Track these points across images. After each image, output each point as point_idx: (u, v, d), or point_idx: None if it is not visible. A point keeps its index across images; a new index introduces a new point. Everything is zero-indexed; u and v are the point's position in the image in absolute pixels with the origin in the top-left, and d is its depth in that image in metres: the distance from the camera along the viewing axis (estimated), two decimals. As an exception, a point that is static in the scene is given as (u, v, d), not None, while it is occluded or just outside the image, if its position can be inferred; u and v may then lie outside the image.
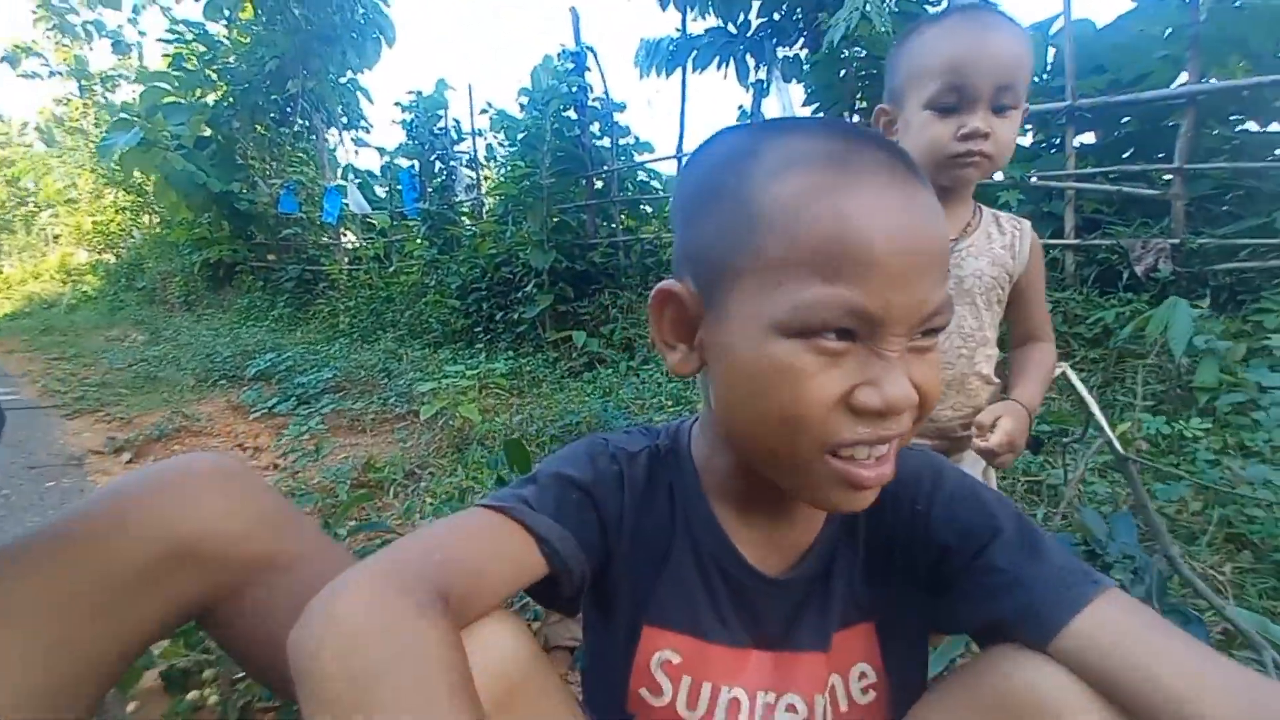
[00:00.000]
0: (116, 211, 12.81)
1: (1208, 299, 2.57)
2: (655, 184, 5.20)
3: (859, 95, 3.39)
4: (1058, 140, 3.54)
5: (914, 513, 0.58)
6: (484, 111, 5.72)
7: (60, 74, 15.40)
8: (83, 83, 15.09)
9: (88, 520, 0.65)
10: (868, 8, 2.61)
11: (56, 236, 16.12)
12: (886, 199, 0.46)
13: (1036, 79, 3.86)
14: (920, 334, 0.48)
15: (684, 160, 4.67)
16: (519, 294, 4.61)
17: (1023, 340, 1.06)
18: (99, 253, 13.37)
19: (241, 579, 0.70)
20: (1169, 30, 2.95)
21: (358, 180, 7.50)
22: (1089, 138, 3.76)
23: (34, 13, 14.07)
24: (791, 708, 0.57)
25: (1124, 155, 3.48)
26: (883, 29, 2.70)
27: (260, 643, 0.72)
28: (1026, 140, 4.00)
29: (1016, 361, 1.04)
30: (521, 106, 5.11)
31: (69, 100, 15.95)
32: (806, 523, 0.60)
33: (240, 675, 1.08)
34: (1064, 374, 1.12)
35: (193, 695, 1.09)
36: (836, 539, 0.60)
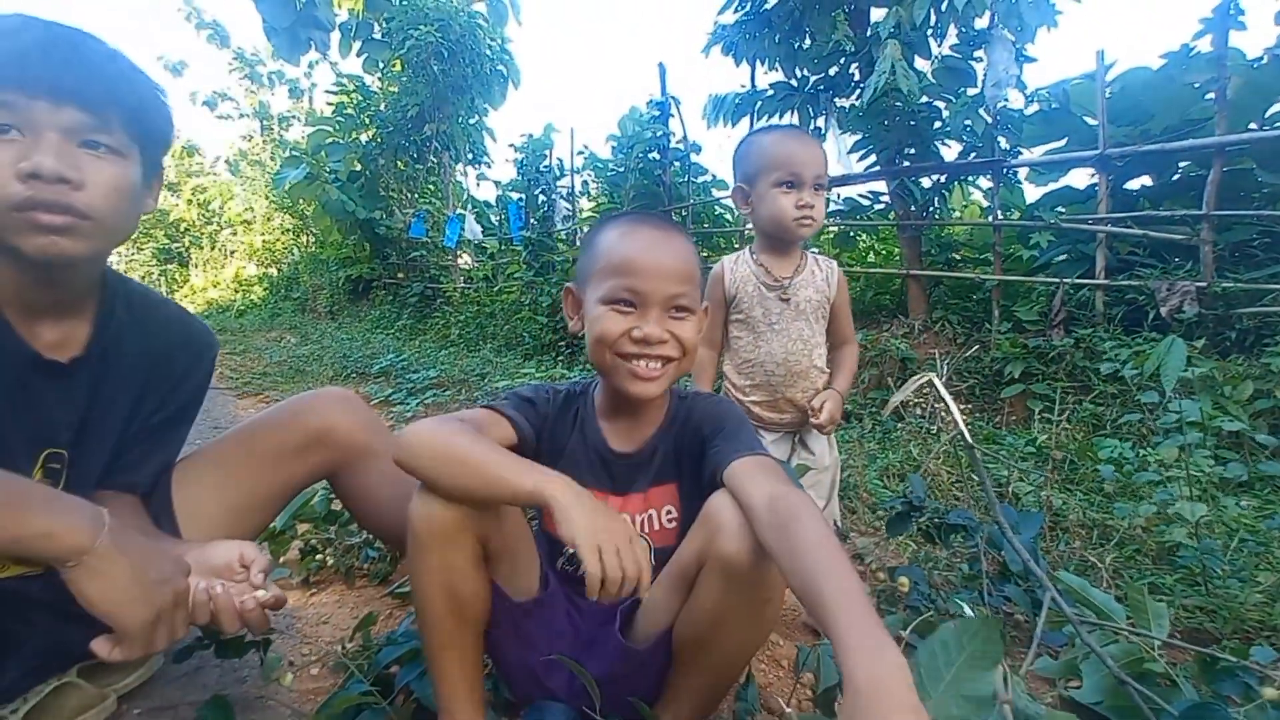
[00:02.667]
0: (282, 233, 14.97)
1: (1204, 342, 2.66)
2: (728, 216, 5.66)
3: (905, 141, 3.70)
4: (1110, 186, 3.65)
5: (699, 421, 1.04)
6: (580, 153, 6.44)
7: (247, 115, 18.30)
8: (264, 123, 17.79)
9: (270, 416, 1.21)
10: (894, 72, 2.97)
11: (233, 252, 18.88)
12: (644, 238, 0.96)
13: (1093, 122, 3.97)
14: (674, 309, 0.95)
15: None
16: (598, 314, 5.19)
17: (837, 344, 1.53)
18: (265, 267, 15.60)
19: (351, 458, 1.22)
20: (1199, 84, 3.06)
21: (475, 209, 8.52)
22: (1147, 180, 3.83)
23: (230, 65, 16.95)
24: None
25: (1183, 199, 3.54)
26: (908, 89, 3.04)
27: (362, 499, 1.25)
28: (1082, 183, 4.10)
29: (835, 361, 1.52)
30: (612, 150, 5.77)
31: (251, 137, 18.81)
32: (646, 427, 1.06)
33: (349, 545, 1.66)
34: (931, 382, 1.47)
35: (318, 559, 1.67)
36: (660, 436, 1.05)
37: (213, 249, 21.56)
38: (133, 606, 0.72)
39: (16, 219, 0.79)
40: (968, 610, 1.02)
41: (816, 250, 1.56)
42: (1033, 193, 4.54)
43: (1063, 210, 3.73)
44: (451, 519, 0.89)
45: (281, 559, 1.72)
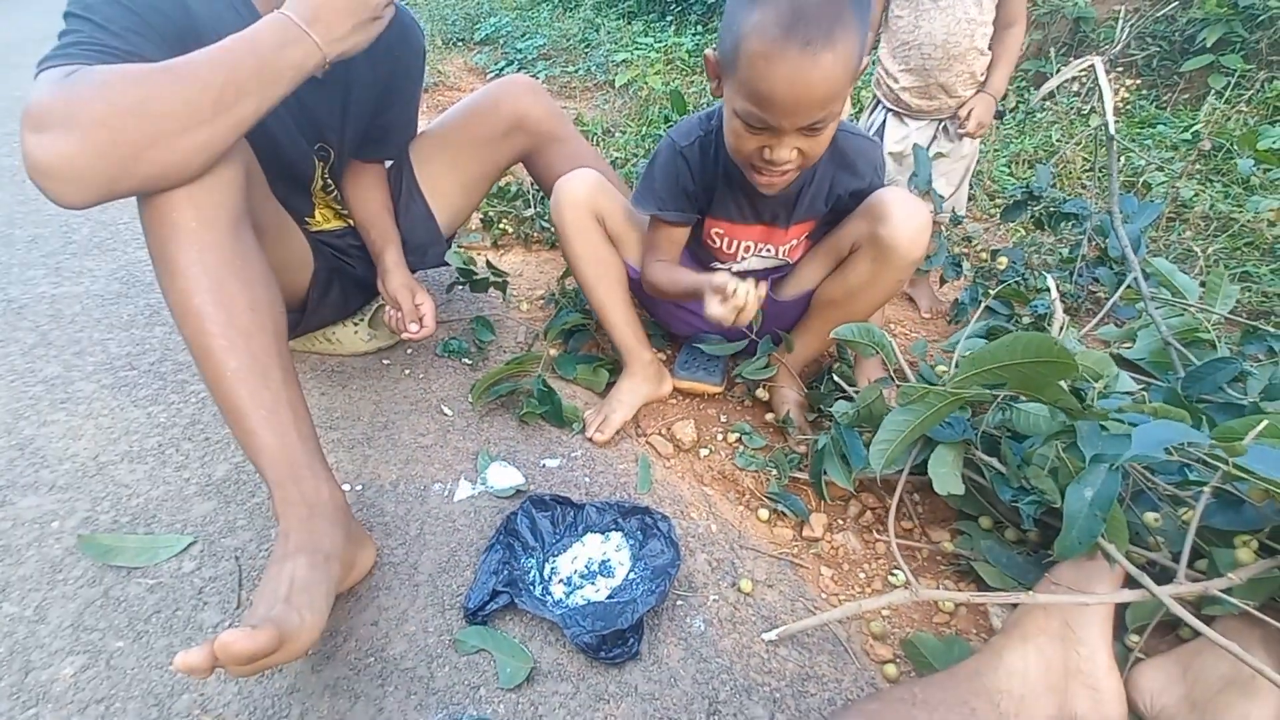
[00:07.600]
0: None
1: None
2: None
3: None
4: None
5: (849, 171, 1.13)
6: None
7: None
8: None
9: (477, 105, 1.39)
10: None
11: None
12: (788, 68, 0.81)
13: None
14: (809, 128, 0.88)
15: None
16: (712, -39, 4.56)
17: (1003, 25, 1.45)
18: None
19: (541, 142, 1.41)
20: None
21: None
22: None
23: None
24: (769, 251, 1.22)
25: None
26: None
27: (551, 177, 1.45)
28: None
29: (996, 48, 1.46)
30: None
31: None
32: None
33: (522, 217, 2.00)
34: (1094, 68, 1.43)
35: (500, 227, 2.04)
36: (805, 181, 1.14)
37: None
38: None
39: None
40: (1051, 284, 1.22)
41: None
42: None
43: None
44: (578, 210, 1.20)
45: (471, 227, 2.11)
